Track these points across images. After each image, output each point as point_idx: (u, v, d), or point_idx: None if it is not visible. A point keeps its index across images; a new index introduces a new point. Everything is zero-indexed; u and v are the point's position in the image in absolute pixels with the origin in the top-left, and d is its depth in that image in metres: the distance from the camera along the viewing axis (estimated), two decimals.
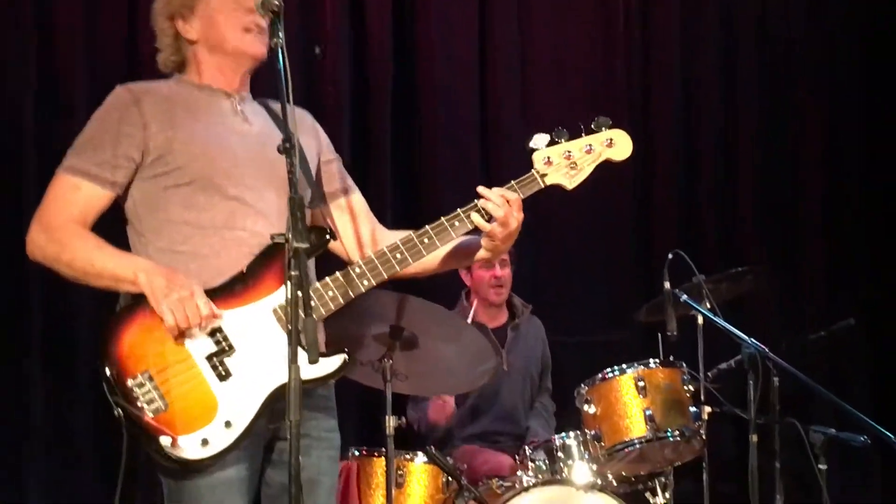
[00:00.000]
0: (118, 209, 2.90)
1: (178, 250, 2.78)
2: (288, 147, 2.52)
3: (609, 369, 4.47)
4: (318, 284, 2.80)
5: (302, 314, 2.49)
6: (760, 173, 6.55)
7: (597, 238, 5.95)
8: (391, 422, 4.02)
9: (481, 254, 2.93)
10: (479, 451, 4.83)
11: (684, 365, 4.54)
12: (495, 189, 2.82)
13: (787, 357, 4.34)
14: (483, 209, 2.81)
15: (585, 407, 4.46)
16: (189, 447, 2.62)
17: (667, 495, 4.56)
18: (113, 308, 2.76)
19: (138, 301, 2.68)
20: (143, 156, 2.79)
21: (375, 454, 4.31)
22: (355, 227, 3.05)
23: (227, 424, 2.65)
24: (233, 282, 2.76)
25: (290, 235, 2.43)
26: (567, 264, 5.89)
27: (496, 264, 5.01)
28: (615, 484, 4.39)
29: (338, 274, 2.81)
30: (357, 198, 3.11)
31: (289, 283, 2.43)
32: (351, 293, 2.79)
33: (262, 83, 2.98)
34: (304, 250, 2.43)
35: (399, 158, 5.76)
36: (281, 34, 2.60)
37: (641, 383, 4.38)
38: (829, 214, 6.58)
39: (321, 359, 2.65)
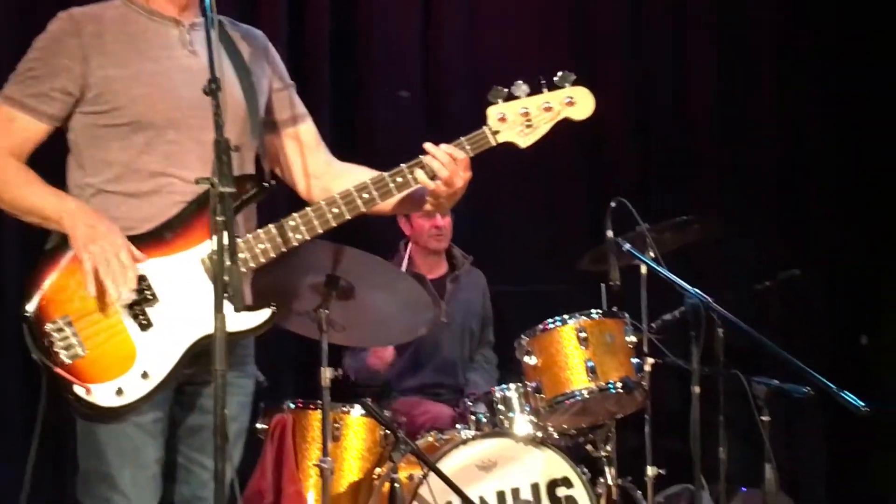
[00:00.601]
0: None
1: (111, 190, 2.75)
2: (214, 88, 2.48)
3: (550, 320, 4.47)
4: (249, 236, 2.78)
5: (228, 262, 2.49)
6: (712, 122, 6.57)
7: (540, 186, 5.98)
8: (327, 373, 4.04)
9: (426, 207, 2.94)
10: (418, 403, 4.88)
11: (627, 316, 4.56)
12: (443, 146, 2.80)
13: (735, 308, 4.32)
14: (428, 166, 2.80)
15: (526, 358, 4.45)
16: (103, 395, 2.63)
17: (608, 448, 4.62)
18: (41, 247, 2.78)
19: (66, 242, 2.68)
20: (81, 91, 2.75)
21: (311, 407, 4.35)
22: (304, 158, 3.02)
23: (144, 375, 2.66)
24: (161, 229, 2.74)
25: (215, 180, 2.40)
26: (509, 213, 5.92)
27: (438, 215, 5.06)
28: (556, 437, 4.44)
29: (271, 226, 2.80)
30: (307, 127, 3.07)
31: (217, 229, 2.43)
32: (283, 246, 2.78)
33: None
34: (231, 195, 2.40)
35: (339, 110, 5.71)
36: None
37: (583, 334, 4.38)
38: (781, 165, 6.61)
39: (248, 312, 2.70)
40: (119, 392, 2.64)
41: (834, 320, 6.51)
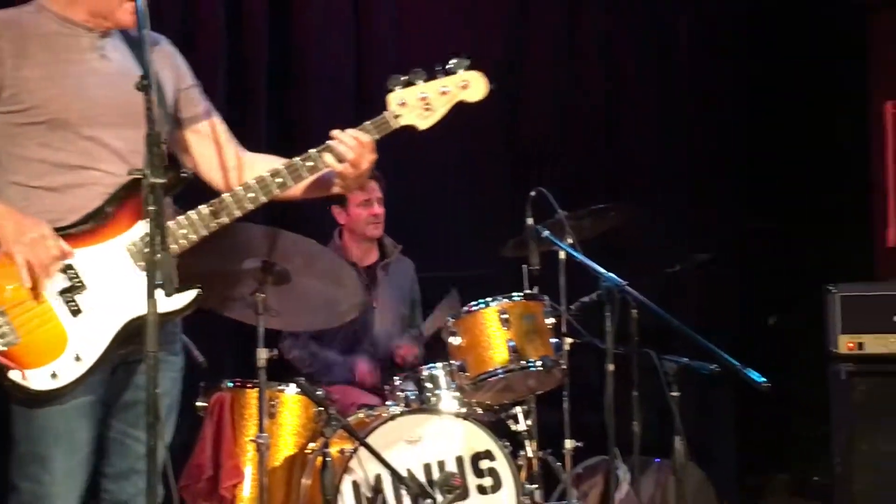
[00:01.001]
0: None
1: (33, 185, 2.82)
2: (146, 84, 2.54)
3: (474, 302, 4.56)
4: (170, 223, 2.83)
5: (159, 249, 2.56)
6: (627, 113, 6.62)
7: (466, 178, 6.02)
8: (263, 354, 4.14)
9: (335, 189, 3.06)
10: (350, 389, 4.92)
11: (546, 298, 4.64)
12: (348, 131, 2.92)
13: (649, 291, 4.44)
14: (335, 150, 2.92)
15: (451, 339, 4.52)
16: (38, 380, 2.71)
17: (529, 422, 4.66)
18: None
19: None
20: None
21: (248, 386, 4.40)
22: (217, 152, 3.11)
23: (77, 358, 2.75)
24: (86, 220, 2.81)
25: (147, 171, 2.46)
26: (437, 203, 5.90)
27: (374, 203, 5.12)
28: (480, 412, 4.52)
29: (190, 212, 2.89)
30: (217, 122, 3.15)
31: (148, 218, 2.47)
32: (204, 230, 2.89)
33: None
34: (162, 185, 2.47)
35: (274, 107, 5.77)
36: None
37: (505, 316, 4.46)
38: (695, 155, 6.70)
39: (175, 294, 2.72)
40: (53, 376, 2.72)
41: (743, 302, 6.58)
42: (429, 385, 4.52)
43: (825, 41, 6.80)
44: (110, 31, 2.97)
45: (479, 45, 6.17)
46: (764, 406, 5.81)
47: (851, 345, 5.23)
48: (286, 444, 4.47)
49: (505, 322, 4.48)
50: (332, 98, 5.86)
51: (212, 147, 3.09)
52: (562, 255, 4.69)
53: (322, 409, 4.27)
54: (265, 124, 5.65)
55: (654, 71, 6.74)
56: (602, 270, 4.38)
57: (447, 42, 6.15)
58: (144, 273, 2.63)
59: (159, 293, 2.53)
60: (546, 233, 4.64)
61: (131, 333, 2.78)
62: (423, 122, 3.01)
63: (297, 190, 3.02)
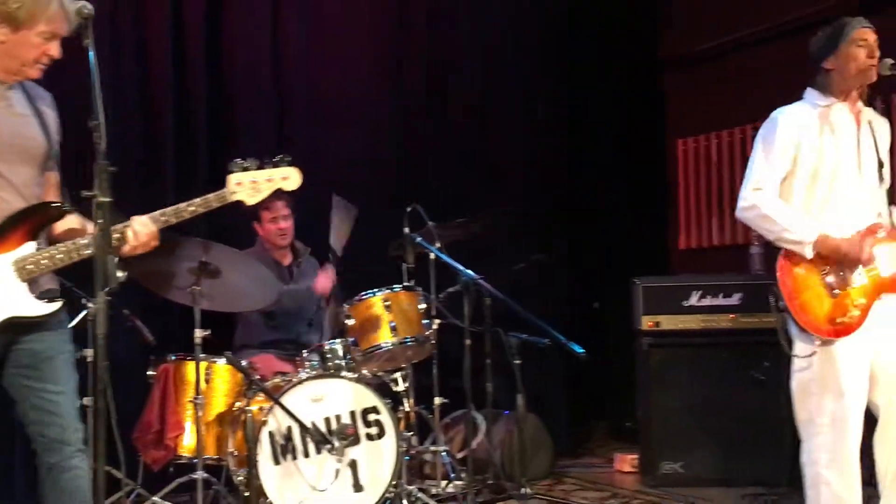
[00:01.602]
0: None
1: None
2: (97, 124, 2.53)
3: (364, 292, 4.60)
4: (49, 248, 2.86)
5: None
6: (485, 143, 6.50)
7: (362, 195, 5.64)
8: (199, 333, 4.25)
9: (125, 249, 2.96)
10: (270, 358, 4.85)
11: (420, 289, 4.71)
12: (141, 222, 2.91)
13: (499, 283, 4.47)
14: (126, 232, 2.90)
15: (347, 321, 4.57)
16: None
17: (406, 384, 4.76)
18: None
19: None
20: None
21: (188, 358, 4.40)
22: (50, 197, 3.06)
23: None
24: None
25: (97, 192, 2.50)
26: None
27: (280, 220, 5.07)
28: (369, 377, 4.54)
29: (64, 243, 2.88)
30: (55, 175, 3.07)
31: (98, 229, 2.51)
32: (66, 260, 2.87)
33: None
34: (108, 204, 2.50)
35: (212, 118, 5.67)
36: (90, 36, 2.61)
37: (388, 303, 4.54)
38: (530, 181, 6.62)
39: (44, 300, 2.87)
40: None
41: (573, 290, 6.57)
42: (329, 356, 4.53)
43: (635, 91, 6.92)
44: (16, 86, 2.93)
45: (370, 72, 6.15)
46: (587, 370, 5.71)
47: (651, 323, 5.32)
48: (218, 403, 4.46)
49: (388, 307, 4.56)
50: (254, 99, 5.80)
51: (49, 194, 3.03)
52: (431, 256, 4.76)
53: (245, 375, 4.32)
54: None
55: (496, 109, 6.61)
56: (461, 268, 4.45)
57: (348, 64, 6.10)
58: (24, 284, 2.81)
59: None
60: (419, 239, 4.72)
61: (10, 328, 2.82)
62: (251, 200, 3.07)
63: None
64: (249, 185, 3.06)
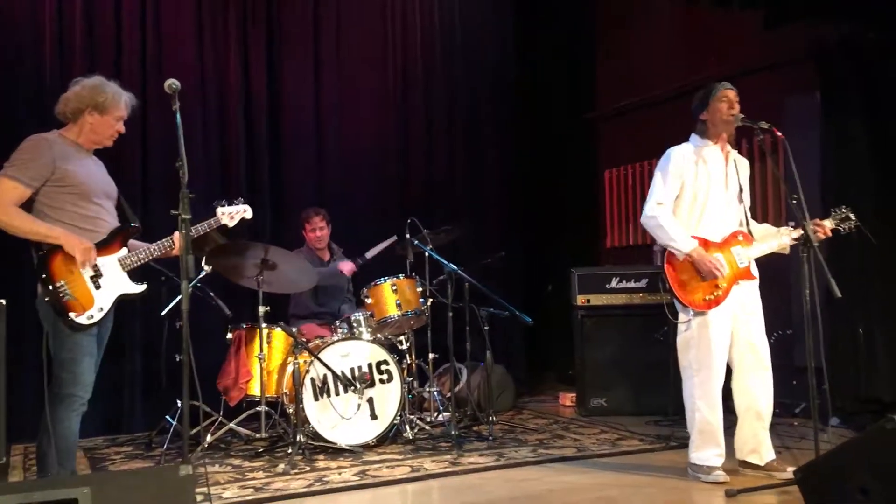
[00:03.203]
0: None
1: (76, 225, 3.02)
2: (181, 164, 2.63)
3: (378, 279, 4.64)
4: (135, 252, 3.14)
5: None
6: (465, 161, 6.38)
7: (377, 207, 5.90)
8: (261, 309, 4.34)
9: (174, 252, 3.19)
10: (313, 326, 4.85)
11: (417, 276, 4.74)
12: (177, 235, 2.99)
13: (473, 272, 4.55)
14: (173, 239, 3.16)
15: (366, 299, 4.63)
16: (82, 319, 2.96)
17: (408, 344, 4.78)
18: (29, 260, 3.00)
19: (54, 248, 2.94)
20: (52, 174, 2.96)
21: (254, 326, 4.47)
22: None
23: (101, 309, 3.01)
24: (100, 242, 3.05)
25: (181, 211, 2.63)
26: (362, 225, 5.68)
27: (316, 230, 5.06)
28: (381, 339, 4.53)
29: (142, 249, 3.16)
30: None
31: (183, 235, 2.61)
32: (146, 258, 3.16)
33: None
34: (188, 220, 2.61)
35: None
36: (177, 103, 2.69)
37: (394, 287, 4.60)
38: (503, 188, 6.51)
39: (138, 285, 3.12)
40: (89, 317, 2.97)
41: (530, 278, 6.53)
42: (354, 325, 4.54)
43: (577, 136, 6.95)
44: (90, 152, 3.18)
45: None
46: (541, 333, 6.02)
47: (583, 300, 5.34)
48: (275, 359, 4.50)
49: (395, 290, 4.62)
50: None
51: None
52: (427, 254, 4.76)
53: (294, 339, 4.38)
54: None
55: (474, 129, 6.47)
56: (446, 262, 4.51)
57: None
58: (125, 273, 3.08)
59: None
60: (416, 241, 4.75)
61: (119, 301, 3.07)
62: (230, 223, 3.36)
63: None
64: (228, 215, 3.34)
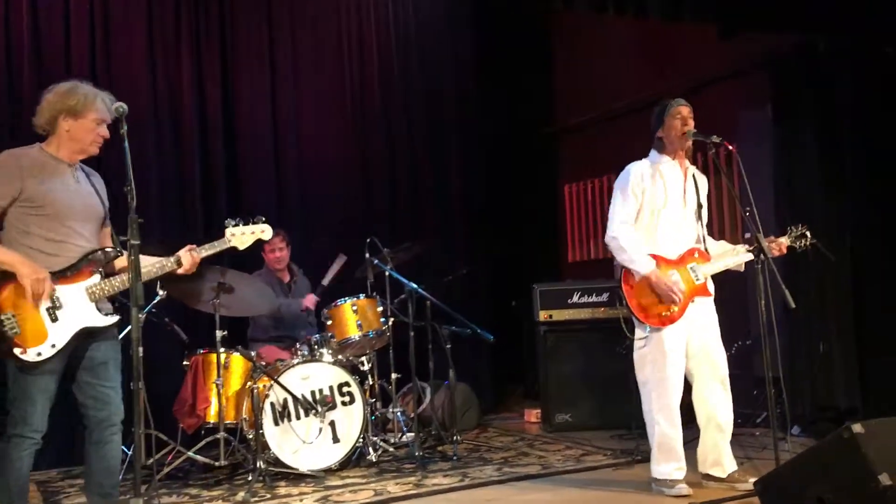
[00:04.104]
0: None
1: (40, 249, 2.82)
2: (129, 188, 2.56)
3: (338, 300, 4.62)
4: (108, 279, 2.89)
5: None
6: (427, 176, 6.36)
7: (338, 225, 5.85)
8: (219, 333, 4.27)
9: (180, 270, 3.03)
10: (272, 349, 4.81)
11: (378, 296, 4.73)
12: (192, 253, 3.00)
13: (434, 290, 4.56)
14: (179, 260, 3.00)
15: (326, 321, 4.60)
16: (29, 356, 2.75)
17: (370, 364, 4.73)
18: None
19: (7, 275, 2.75)
20: (20, 193, 2.79)
21: (212, 351, 4.38)
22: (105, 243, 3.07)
23: (53, 346, 2.79)
24: (65, 270, 2.85)
25: (130, 238, 2.54)
26: (319, 246, 5.58)
27: (276, 251, 5.03)
28: (343, 360, 4.50)
29: (108, 278, 2.91)
30: (109, 228, 3.09)
31: (130, 266, 2.53)
32: (120, 287, 2.90)
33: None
34: (137, 246, 2.52)
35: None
36: (124, 126, 2.61)
37: (355, 307, 4.58)
38: (465, 204, 6.49)
39: (108, 315, 2.91)
40: (38, 354, 2.75)
41: (494, 294, 6.49)
42: (315, 347, 4.53)
43: (533, 149, 7.03)
44: (77, 166, 2.97)
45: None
46: (506, 349, 6.03)
47: (546, 316, 5.33)
48: (234, 383, 4.45)
49: (355, 310, 4.60)
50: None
51: (106, 242, 3.07)
52: (387, 273, 4.76)
53: (252, 363, 4.36)
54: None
55: (438, 149, 6.40)
56: (406, 281, 4.54)
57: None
58: (92, 304, 2.86)
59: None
60: (376, 261, 4.74)
61: (83, 334, 2.85)
62: (241, 246, 3.16)
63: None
64: (240, 236, 3.15)
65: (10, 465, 2.76)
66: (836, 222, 4.71)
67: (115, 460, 2.92)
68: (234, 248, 3.15)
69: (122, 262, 3.00)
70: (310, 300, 5.04)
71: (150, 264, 2.97)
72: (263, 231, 3.20)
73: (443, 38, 6.56)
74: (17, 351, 2.74)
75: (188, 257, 3.02)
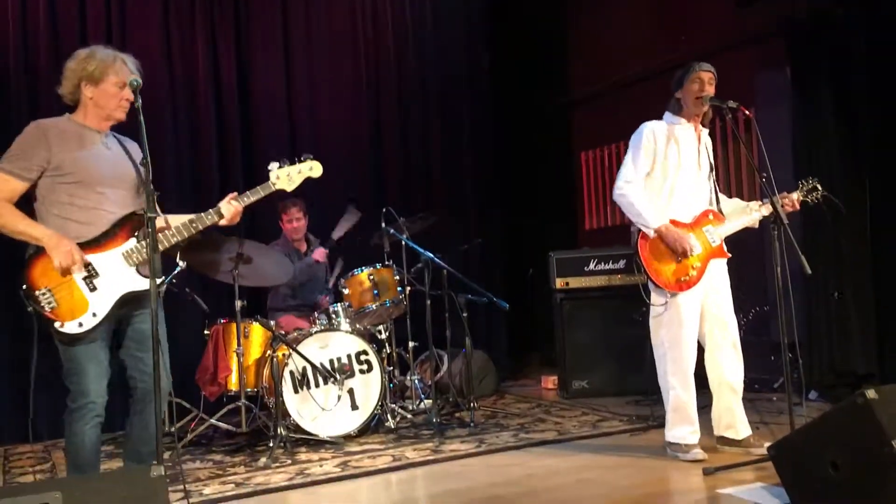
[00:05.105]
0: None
1: (70, 218, 2.79)
2: (146, 162, 2.55)
3: (356, 269, 4.64)
4: (139, 242, 2.84)
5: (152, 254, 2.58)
6: (440, 147, 6.35)
7: (353, 195, 5.47)
8: (238, 303, 4.29)
9: (222, 222, 2.98)
10: (291, 318, 4.84)
11: (394, 265, 4.71)
12: (236, 200, 2.94)
13: (451, 260, 4.57)
14: (221, 210, 2.93)
15: (343, 290, 4.62)
16: (71, 327, 2.72)
17: (387, 333, 4.77)
18: (21, 257, 2.78)
19: (41, 249, 2.73)
20: (48, 164, 2.76)
21: (232, 321, 4.43)
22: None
23: (94, 315, 2.75)
24: (98, 238, 2.81)
25: (146, 209, 2.51)
26: (339, 215, 5.28)
27: (293, 221, 5.00)
28: (360, 329, 4.52)
29: (175, 226, 2.89)
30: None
31: (142, 237, 2.61)
32: (168, 244, 2.87)
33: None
34: (152, 218, 2.49)
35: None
36: (139, 100, 2.59)
37: (372, 276, 4.60)
38: (480, 173, 6.49)
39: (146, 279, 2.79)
40: (80, 325, 2.72)
41: (511, 263, 6.51)
42: (333, 315, 4.53)
43: (548, 118, 6.97)
44: (108, 133, 2.92)
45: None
46: (523, 317, 6.06)
47: (562, 283, 5.33)
48: (253, 352, 4.49)
49: (372, 279, 4.62)
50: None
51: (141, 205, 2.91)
52: (403, 242, 4.73)
53: (271, 332, 4.38)
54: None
55: (450, 140, 6.41)
56: (422, 250, 4.49)
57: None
58: (132, 268, 2.81)
59: (140, 277, 2.78)
60: (392, 230, 4.74)
61: (127, 299, 2.82)
62: (289, 186, 3.05)
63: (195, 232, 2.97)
64: (286, 177, 3.03)
65: (75, 438, 2.74)
66: (856, 185, 4.65)
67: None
68: (282, 191, 3.02)
69: (158, 224, 2.89)
70: (319, 253, 5.03)
71: (190, 219, 2.91)
72: (312, 168, 3.06)
73: (456, 8, 6.52)
74: (56, 325, 2.71)
75: (230, 207, 2.94)
